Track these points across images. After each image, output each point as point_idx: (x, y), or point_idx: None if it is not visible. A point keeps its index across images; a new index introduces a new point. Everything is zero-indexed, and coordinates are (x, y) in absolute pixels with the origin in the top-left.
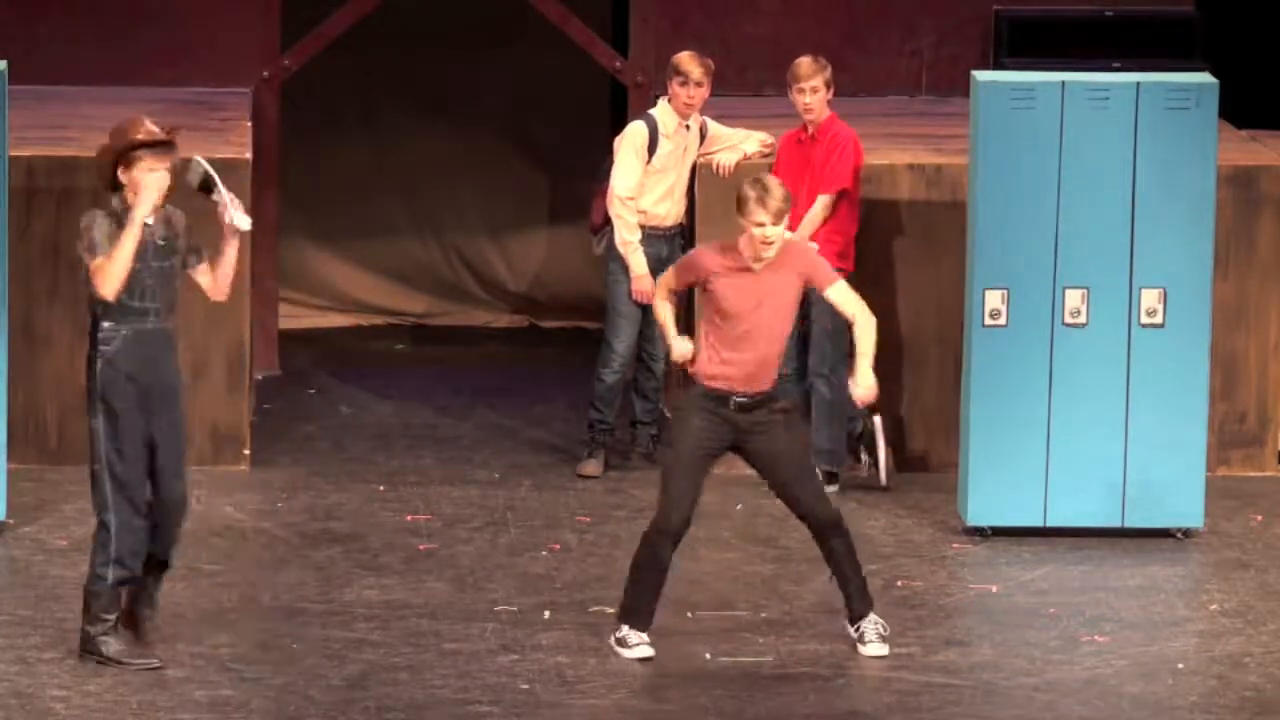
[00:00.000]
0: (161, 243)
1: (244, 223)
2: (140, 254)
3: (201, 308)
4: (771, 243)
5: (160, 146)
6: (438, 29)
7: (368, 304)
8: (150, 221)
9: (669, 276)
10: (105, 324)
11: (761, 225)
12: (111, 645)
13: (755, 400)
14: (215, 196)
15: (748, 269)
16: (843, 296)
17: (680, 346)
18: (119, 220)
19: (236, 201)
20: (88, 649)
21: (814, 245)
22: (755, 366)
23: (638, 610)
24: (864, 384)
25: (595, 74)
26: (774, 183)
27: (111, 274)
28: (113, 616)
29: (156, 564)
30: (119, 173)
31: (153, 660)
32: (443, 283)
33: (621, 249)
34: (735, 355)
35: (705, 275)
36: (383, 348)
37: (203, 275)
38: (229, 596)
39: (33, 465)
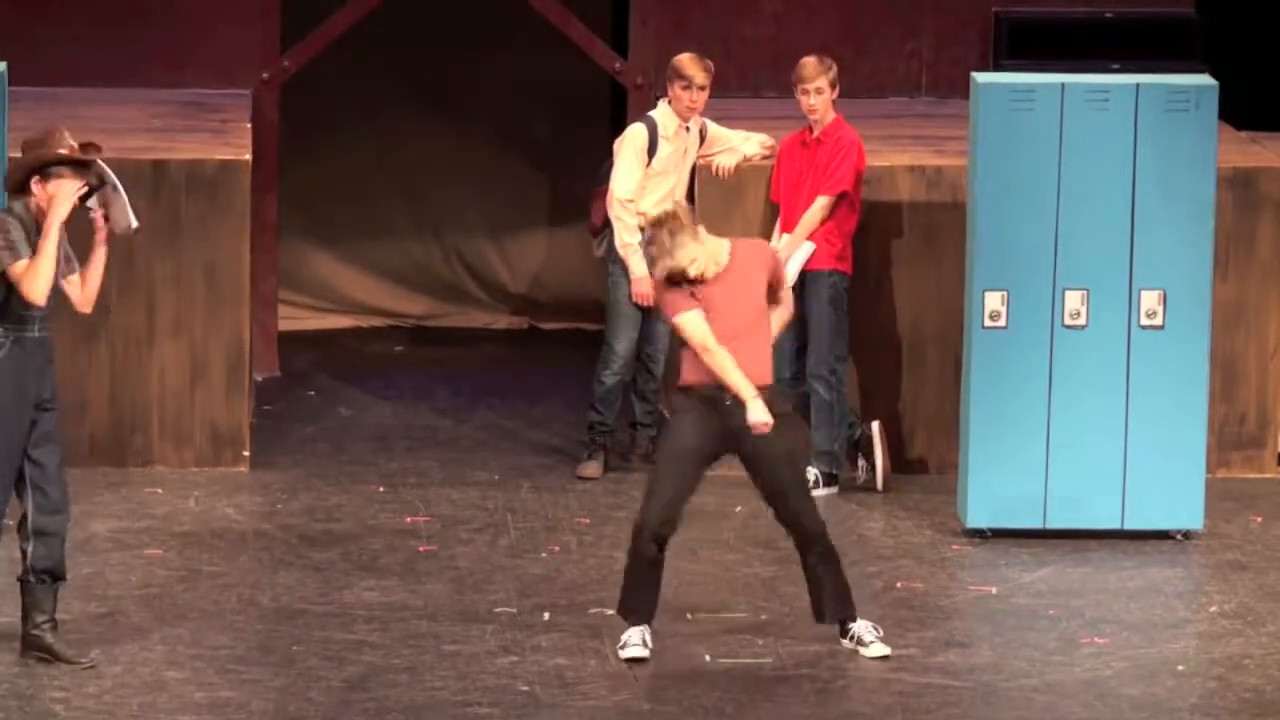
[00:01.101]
0: None
1: (131, 221)
2: None
3: (202, 309)
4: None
5: (79, 166)
6: (437, 28)
7: (367, 305)
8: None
9: (699, 320)
10: None
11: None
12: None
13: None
14: (99, 200)
15: (721, 272)
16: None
17: (761, 413)
18: (26, 225)
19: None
20: None
21: (811, 246)
22: (743, 363)
23: (633, 607)
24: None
25: (595, 74)
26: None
27: (43, 277)
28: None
29: (41, 573)
30: (33, 182)
31: None
32: (442, 284)
33: (621, 251)
34: None
35: (692, 289)
36: (382, 349)
37: (73, 286)
38: (229, 598)
39: None
